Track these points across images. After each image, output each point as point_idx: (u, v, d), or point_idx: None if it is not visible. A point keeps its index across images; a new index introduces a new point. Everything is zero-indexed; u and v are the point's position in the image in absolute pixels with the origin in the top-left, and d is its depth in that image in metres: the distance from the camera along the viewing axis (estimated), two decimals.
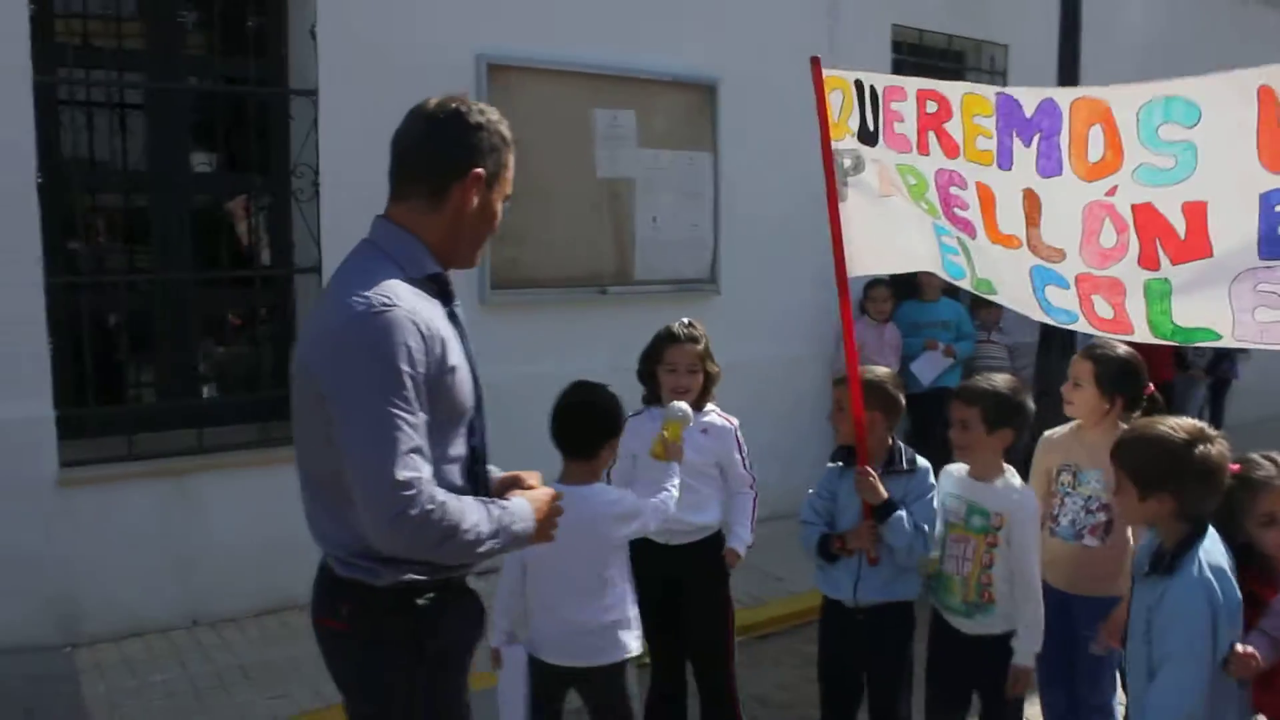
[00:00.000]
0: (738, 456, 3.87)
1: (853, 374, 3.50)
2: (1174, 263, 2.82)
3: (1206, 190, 2.70)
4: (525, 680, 3.24)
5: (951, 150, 3.20)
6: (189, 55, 5.51)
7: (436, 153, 2.29)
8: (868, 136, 3.43)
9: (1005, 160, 3.08)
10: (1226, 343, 2.80)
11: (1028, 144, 3.01)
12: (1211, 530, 2.74)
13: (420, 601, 2.25)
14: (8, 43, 4.68)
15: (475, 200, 2.31)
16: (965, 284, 3.51)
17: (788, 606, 5.69)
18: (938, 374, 7.23)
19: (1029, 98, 2.99)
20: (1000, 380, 3.47)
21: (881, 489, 3.43)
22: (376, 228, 2.37)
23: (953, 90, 3.17)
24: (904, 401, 3.61)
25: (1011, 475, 3.44)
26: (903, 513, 3.41)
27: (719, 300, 6.84)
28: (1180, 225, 2.78)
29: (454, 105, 2.32)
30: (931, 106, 3.22)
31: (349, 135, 5.48)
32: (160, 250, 5.51)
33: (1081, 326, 3.14)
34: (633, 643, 3.29)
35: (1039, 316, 3.27)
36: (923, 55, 7.85)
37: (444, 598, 2.31)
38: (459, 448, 2.36)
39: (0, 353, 4.76)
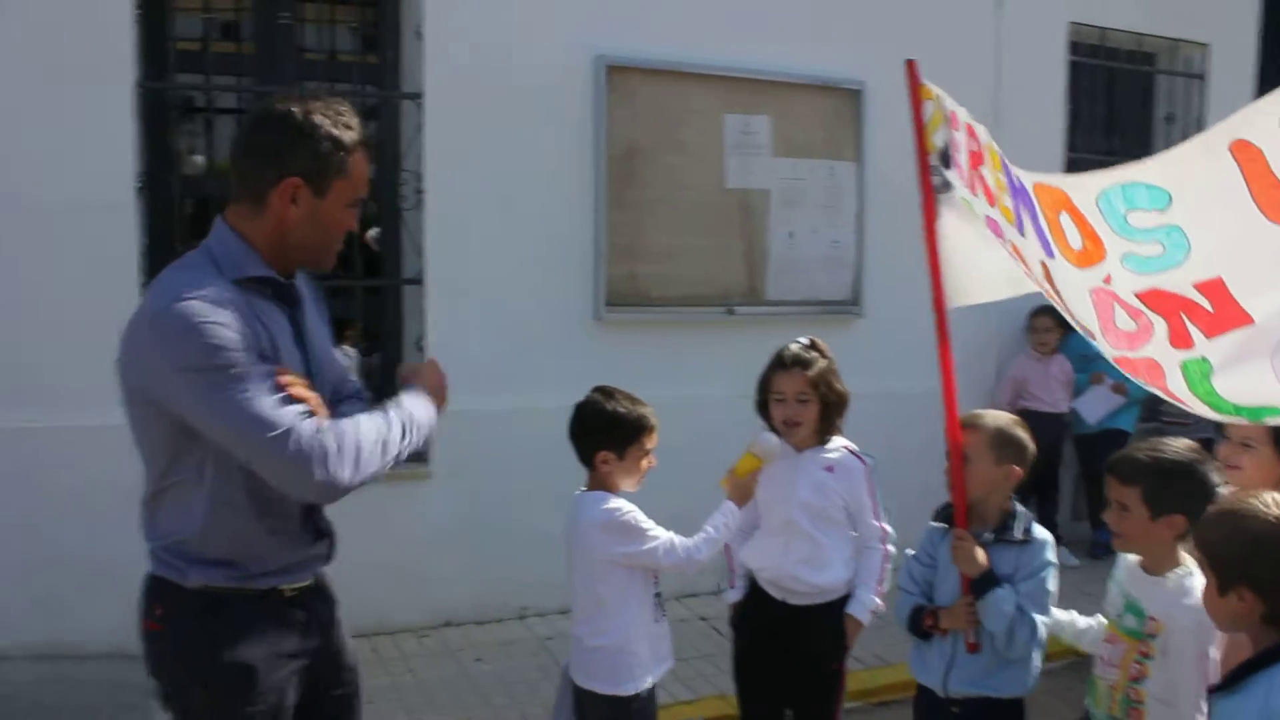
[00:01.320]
0: (868, 502, 3.30)
1: (951, 421, 2.92)
2: (1209, 335, 2.32)
3: (1214, 266, 2.28)
4: (567, 694, 3.10)
5: (990, 199, 2.70)
6: (300, 59, 5.36)
7: (254, 159, 2.23)
8: (944, 158, 2.93)
9: (1020, 224, 2.61)
10: None
11: (1026, 214, 2.59)
12: None
13: (227, 609, 2.20)
14: (110, 48, 4.63)
15: (295, 209, 2.21)
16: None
17: None
18: (1105, 413, 6.39)
19: (1011, 168, 2.63)
20: (1172, 449, 2.65)
21: (981, 559, 2.83)
22: (213, 228, 2.28)
23: (983, 133, 2.78)
24: (1033, 452, 3.00)
25: (1189, 573, 2.65)
26: (1005, 591, 2.81)
27: (862, 324, 6.24)
28: (1203, 301, 2.29)
29: (281, 108, 2.21)
30: (973, 145, 2.76)
31: (455, 140, 5.22)
32: None
33: (1163, 394, 2.56)
34: (629, 684, 2.95)
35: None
36: (1106, 57, 7.03)
37: (257, 608, 2.24)
38: None
39: (96, 360, 4.69)
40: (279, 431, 2.03)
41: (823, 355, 3.31)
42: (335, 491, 2.12)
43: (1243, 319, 2.31)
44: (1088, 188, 2.45)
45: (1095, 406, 6.43)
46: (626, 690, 2.96)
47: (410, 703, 4.48)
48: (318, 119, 2.19)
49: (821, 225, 6.09)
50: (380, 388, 5.80)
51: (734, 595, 3.44)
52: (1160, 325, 2.41)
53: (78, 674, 4.48)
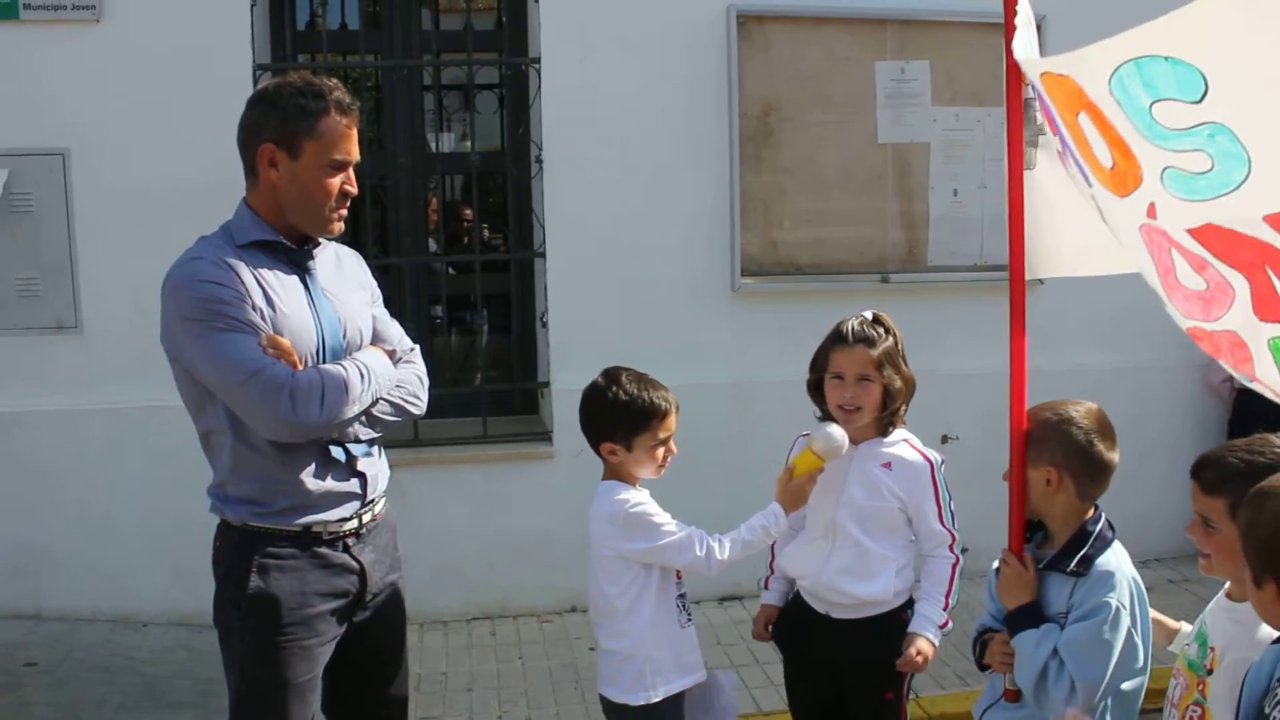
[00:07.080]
0: (933, 505, 2.83)
1: (1017, 411, 2.43)
2: None
3: None
4: None
5: (1050, 121, 2.12)
6: (419, 32, 5.27)
7: (241, 136, 2.47)
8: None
9: (1066, 150, 2.03)
10: None
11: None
12: None
13: (261, 544, 2.40)
14: (228, 27, 4.69)
15: (276, 172, 2.41)
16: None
17: None
18: None
19: (1027, 69, 2.03)
20: (1273, 450, 2.06)
21: (1025, 590, 2.35)
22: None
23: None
24: (1114, 462, 2.45)
25: None
26: (1039, 633, 2.31)
27: (1039, 291, 5.48)
28: None
29: (259, 89, 2.47)
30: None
31: (575, 105, 4.98)
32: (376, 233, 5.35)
33: (1264, 389, 1.93)
34: (642, 693, 2.70)
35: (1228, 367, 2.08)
36: None
37: (290, 546, 2.42)
38: None
39: None
40: (248, 375, 2.29)
41: (889, 332, 2.85)
42: (305, 430, 2.35)
43: None
44: (1096, 68, 1.77)
45: None
46: (638, 700, 2.70)
47: (508, 693, 4.37)
48: (285, 90, 2.42)
49: (992, 181, 5.44)
50: (510, 365, 5.70)
51: (769, 598, 3.06)
52: (1241, 285, 1.82)
53: (200, 644, 4.64)
